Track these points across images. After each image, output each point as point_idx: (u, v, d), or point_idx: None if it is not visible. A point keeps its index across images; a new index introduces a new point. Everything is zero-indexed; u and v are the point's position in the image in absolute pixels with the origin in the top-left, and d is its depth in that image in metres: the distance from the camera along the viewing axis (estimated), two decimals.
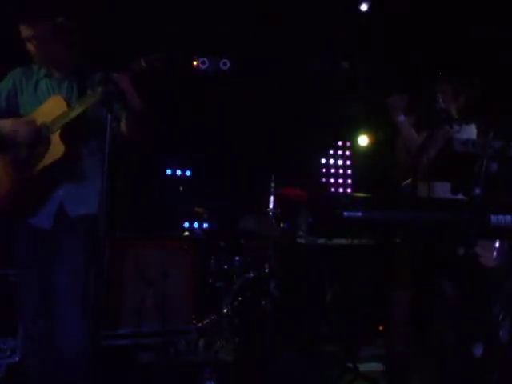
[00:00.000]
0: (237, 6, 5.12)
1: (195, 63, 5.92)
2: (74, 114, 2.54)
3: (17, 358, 3.57)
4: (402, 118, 3.28)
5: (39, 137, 2.60)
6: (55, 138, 2.56)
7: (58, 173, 2.61)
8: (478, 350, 2.79)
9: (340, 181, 6.95)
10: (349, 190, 6.91)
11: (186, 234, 5.26)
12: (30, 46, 2.63)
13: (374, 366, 3.95)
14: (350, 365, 3.85)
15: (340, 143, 7.00)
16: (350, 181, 7.00)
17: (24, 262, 2.70)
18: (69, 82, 2.73)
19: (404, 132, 3.28)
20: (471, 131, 3.21)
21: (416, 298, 3.17)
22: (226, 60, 5.92)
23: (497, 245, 2.87)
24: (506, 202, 2.17)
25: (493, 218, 2.08)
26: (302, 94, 5.97)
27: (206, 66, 5.90)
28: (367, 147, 6.72)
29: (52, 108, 2.61)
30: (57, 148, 2.55)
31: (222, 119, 5.90)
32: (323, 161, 6.88)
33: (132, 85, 2.50)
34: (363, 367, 3.88)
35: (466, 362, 2.78)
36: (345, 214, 2.02)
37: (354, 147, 6.91)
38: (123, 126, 2.66)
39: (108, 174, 2.12)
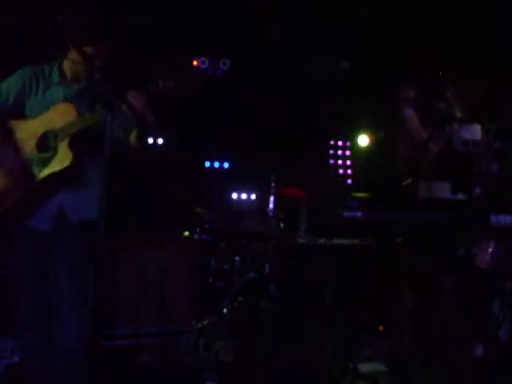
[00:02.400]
0: (237, 6, 5.12)
1: (195, 63, 5.92)
2: (83, 124, 2.56)
3: (16, 358, 3.57)
4: (409, 110, 3.28)
5: (24, 166, 2.60)
6: (63, 146, 2.57)
7: (61, 179, 2.62)
8: (479, 350, 2.79)
9: None
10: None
11: (186, 233, 5.25)
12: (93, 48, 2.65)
13: (374, 366, 3.94)
14: (350, 365, 3.84)
15: (340, 143, 6.99)
16: (349, 181, 6.99)
17: (23, 264, 2.69)
18: (81, 93, 2.75)
19: (411, 124, 3.27)
20: (475, 131, 3.20)
21: (417, 299, 3.17)
22: (226, 60, 5.91)
23: (491, 246, 2.86)
24: (506, 202, 2.17)
25: (493, 218, 2.08)
26: (302, 94, 5.97)
27: (206, 66, 5.90)
28: (367, 147, 6.71)
29: (61, 115, 2.62)
30: (65, 156, 2.56)
31: (222, 119, 5.89)
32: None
33: (148, 104, 2.55)
34: (363, 367, 3.87)
35: (467, 362, 2.78)
36: (345, 213, 2.02)
37: (354, 147, 6.90)
38: (132, 139, 2.71)
39: (108, 175, 2.14)
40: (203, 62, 5.88)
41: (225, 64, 5.90)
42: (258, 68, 5.82)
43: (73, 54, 2.70)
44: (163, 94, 2.57)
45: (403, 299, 3.26)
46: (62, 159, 2.57)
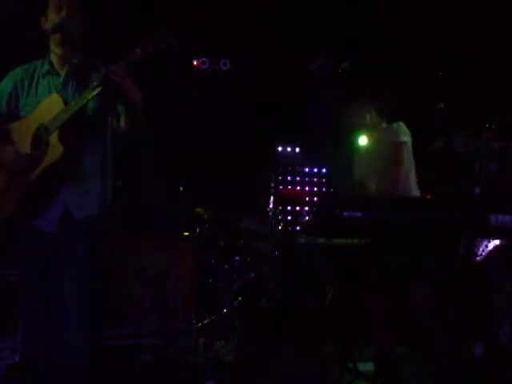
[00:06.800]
0: (237, 6, 5.12)
1: (195, 63, 5.92)
2: (70, 112, 2.49)
3: (16, 358, 3.57)
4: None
5: (27, 163, 2.55)
6: (53, 139, 2.51)
7: (59, 174, 2.57)
8: (479, 350, 2.79)
9: None
10: None
11: (186, 233, 5.26)
12: (59, 15, 2.57)
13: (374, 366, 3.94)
14: (350, 365, 3.84)
15: None
16: None
17: (28, 264, 2.65)
18: (69, 79, 2.69)
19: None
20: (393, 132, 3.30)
21: (413, 299, 3.17)
22: (226, 60, 5.91)
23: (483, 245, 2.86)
24: (506, 202, 2.16)
25: (493, 217, 2.08)
26: (301, 94, 5.97)
27: (206, 66, 5.90)
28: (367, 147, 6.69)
29: (49, 108, 2.56)
30: (55, 149, 2.50)
31: (222, 119, 5.90)
32: None
33: (129, 77, 2.42)
34: (363, 367, 3.87)
35: (466, 362, 2.78)
36: (345, 213, 2.02)
37: (354, 147, 6.88)
38: (122, 122, 2.61)
39: (108, 173, 2.12)
40: (203, 62, 5.89)
41: (225, 64, 5.91)
42: (258, 68, 5.82)
43: (54, 38, 2.65)
44: (144, 62, 2.39)
45: (380, 300, 3.27)
46: (52, 153, 2.50)
